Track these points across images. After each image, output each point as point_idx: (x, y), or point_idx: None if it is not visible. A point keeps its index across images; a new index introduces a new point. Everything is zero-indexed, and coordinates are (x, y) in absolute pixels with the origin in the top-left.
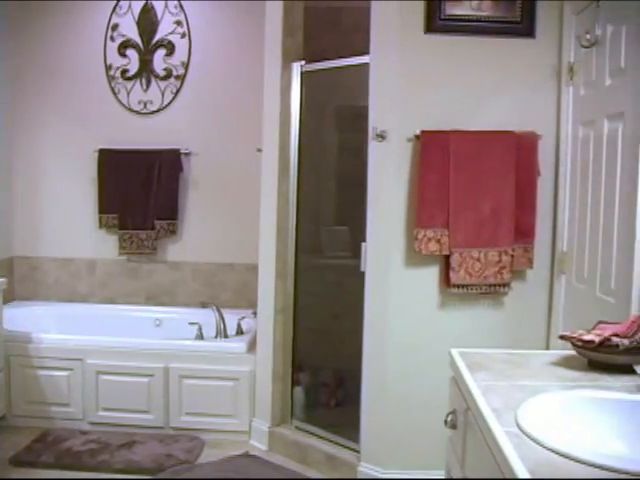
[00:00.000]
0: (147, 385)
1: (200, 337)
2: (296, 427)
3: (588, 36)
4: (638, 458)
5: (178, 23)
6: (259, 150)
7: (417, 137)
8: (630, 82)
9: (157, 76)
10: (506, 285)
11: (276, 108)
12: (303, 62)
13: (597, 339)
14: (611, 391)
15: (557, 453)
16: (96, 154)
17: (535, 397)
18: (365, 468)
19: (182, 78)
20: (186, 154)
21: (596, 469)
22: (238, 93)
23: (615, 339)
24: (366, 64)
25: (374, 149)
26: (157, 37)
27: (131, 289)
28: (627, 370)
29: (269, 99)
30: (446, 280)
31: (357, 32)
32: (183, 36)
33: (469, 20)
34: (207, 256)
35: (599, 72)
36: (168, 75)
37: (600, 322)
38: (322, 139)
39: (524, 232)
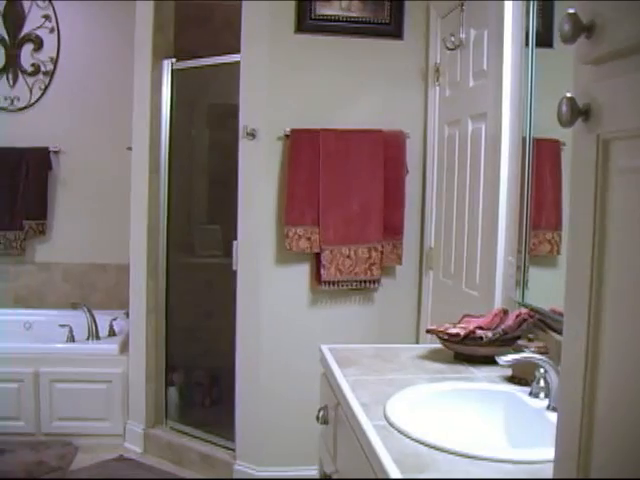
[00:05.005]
0: (17, 391)
1: (71, 339)
2: (171, 428)
3: (453, 39)
4: (499, 445)
5: (46, 17)
6: (129, 148)
7: (287, 136)
8: (491, 84)
9: (24, 72)
10: (376, 281)
11: (146, 106)
12: (174, 59)
13: (462, 332)
14: (474, 382)
15: (422, 444)
16: None
17: (402, 390)
18: (240, 467)
19: (51, 74)
20: (55, 152)
21: (458, 457)
22: (109, 90)
23: (479, 332)
24: (237, 62)
25: (245, 147)
26: (24, 31)
27: None
28: (490, 361)
29: (139, 97)
30: (317, 277)
31: (229, 30)
32: (52, 31)
33: (339, 20)
34: (78, 257)
35: (463, 74)
36: (36, 71)
37: (465, 315)
38: (194, 137)
39: (393, 229)
